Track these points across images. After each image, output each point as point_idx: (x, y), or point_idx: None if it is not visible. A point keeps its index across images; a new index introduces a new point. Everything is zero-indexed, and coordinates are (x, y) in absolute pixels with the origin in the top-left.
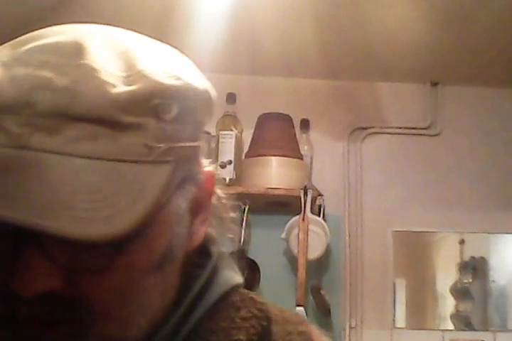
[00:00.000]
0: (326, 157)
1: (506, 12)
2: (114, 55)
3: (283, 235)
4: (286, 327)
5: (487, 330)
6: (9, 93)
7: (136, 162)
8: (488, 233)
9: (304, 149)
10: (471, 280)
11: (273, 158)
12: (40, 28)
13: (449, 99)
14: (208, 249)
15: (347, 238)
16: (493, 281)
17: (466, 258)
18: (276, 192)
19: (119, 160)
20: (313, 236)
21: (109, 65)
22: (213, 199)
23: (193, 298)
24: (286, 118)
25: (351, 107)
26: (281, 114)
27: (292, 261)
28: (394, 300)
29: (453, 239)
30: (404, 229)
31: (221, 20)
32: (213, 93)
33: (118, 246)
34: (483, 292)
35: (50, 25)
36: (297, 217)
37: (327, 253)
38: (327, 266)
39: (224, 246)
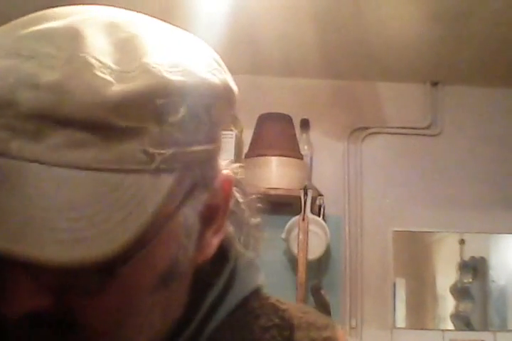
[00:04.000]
0: (326, 157)
1: (506, 12)
2: (115, 45)
3: (283, 235)
4: (309, 333)
5: (487, 330)
6: None
7: (132, 172)
8: (488, 233)
9: (304, 149)
10: (471, 280)
11: (273, 158)
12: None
13: (449, 99)
14: (225, 254)
15: (347, 238)
16: (493, 281)
17: (466, 258)
18: (276, 192)
19: (111, 171)
20: (313, 236)
21: (107, 58)
22: (231, 205)
23: (208, 308)
24: (286, 118)
25: (351, 107)
26: (281, 114)
27: (292, 261)
28: (394, 300)
29: (453, 239)
30: (404, 229)
31: (221, 20)
32: (234, 87)
33: (109, 269)
34: (483, 292)
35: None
36: (297, 217)
37: (327, 254)
38: (327, 266)
39: (245, 249)
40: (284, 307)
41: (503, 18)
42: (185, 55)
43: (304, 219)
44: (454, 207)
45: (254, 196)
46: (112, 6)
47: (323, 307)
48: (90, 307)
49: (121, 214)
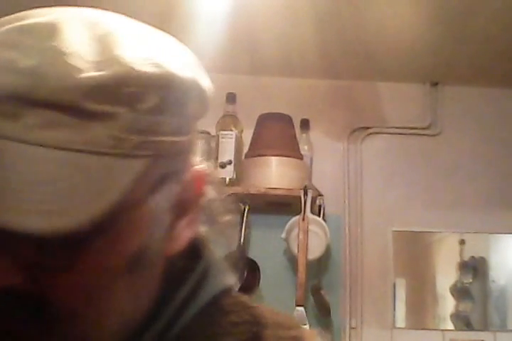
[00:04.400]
0: (326, 157)
1: (506, 12)
2: (91, 39)
3: (283, 235)
4: (277, 332)
5: (487, 330)
6: None
7: (101, 154)
8: (488, 233)
9: (304, 149)
10: (471, 280)
11: (273, 158)
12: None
13: (449, 99)
14: (198, 252)
15: (347, 238)
16: (493, 281)
17: (466, 258)
18: (276, 192)
19: (81, 151)
20: (313, 236)
21: (81, 49)
22: (204, 201)
23: (179, 303)
24: (286, 119)
25: (351, 107)
26: (281, 114)
27: (292, 261)
28: (394, 300)
29: (453, 239)
30: (404, 229)
31: (221, 20)
32: (207, 86)
33: (76, 243)
34: (483, 292)
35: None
36: (297, 217)
37: (327, 253)
38: (327, 266)
39: (217, 248)
40: (254, 304)
41: (503, 18)
42: (159, 52)
43: (303, 219)
44: (454, 207)
45: (228, 194)
46: (113, 5)
47: (323, 307)
48: (59, 286)
49: (89, 191)
